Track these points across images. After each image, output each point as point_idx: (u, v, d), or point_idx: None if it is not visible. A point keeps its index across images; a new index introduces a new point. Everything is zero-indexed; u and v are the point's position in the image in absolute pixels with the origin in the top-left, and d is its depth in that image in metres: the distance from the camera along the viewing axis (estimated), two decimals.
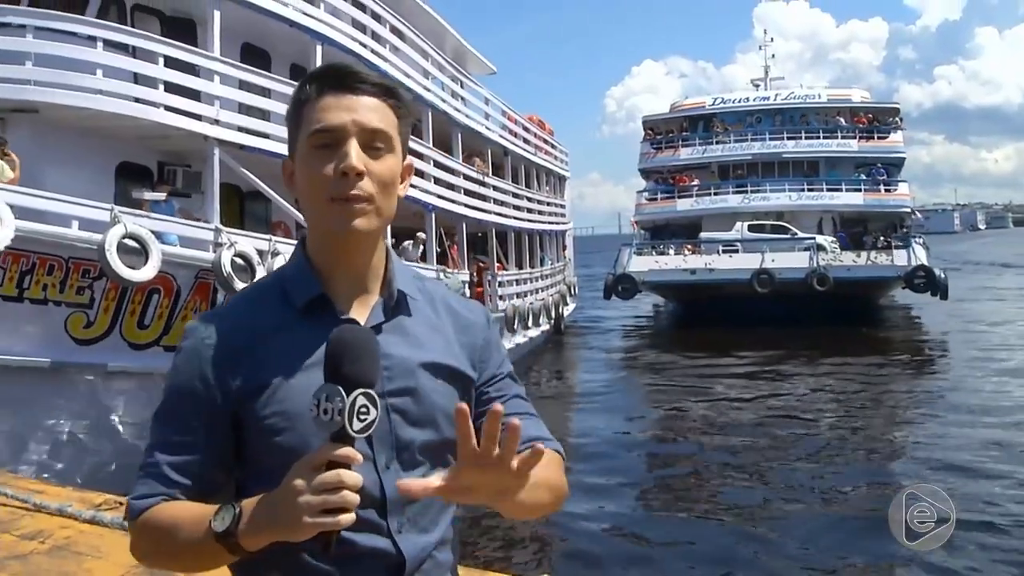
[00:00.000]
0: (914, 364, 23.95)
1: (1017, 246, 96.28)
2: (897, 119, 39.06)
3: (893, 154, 37.91)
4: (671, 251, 34.32)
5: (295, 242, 8.02)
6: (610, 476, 13.09)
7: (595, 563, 9.82)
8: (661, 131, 40.36)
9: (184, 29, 13.48)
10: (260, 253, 11.95)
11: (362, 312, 1.56)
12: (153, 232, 10.60)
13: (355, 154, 1.46)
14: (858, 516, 10.80)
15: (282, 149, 8.27)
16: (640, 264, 33.13)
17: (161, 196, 12.20)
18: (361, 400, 1.32)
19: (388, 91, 1.55)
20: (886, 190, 36.41)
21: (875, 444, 15.04)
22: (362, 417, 1.32)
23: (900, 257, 31.69)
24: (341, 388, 1.31)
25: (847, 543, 9.94)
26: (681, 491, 12.68)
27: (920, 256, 31.66)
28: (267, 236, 12.71)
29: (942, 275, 31.45)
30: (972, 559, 9.15)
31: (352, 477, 1.30)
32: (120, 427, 10.68)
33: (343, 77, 1.50)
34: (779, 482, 12.65)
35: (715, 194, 37.29)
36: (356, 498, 1.31)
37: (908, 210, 37.39)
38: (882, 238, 34.44)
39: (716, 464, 13.83)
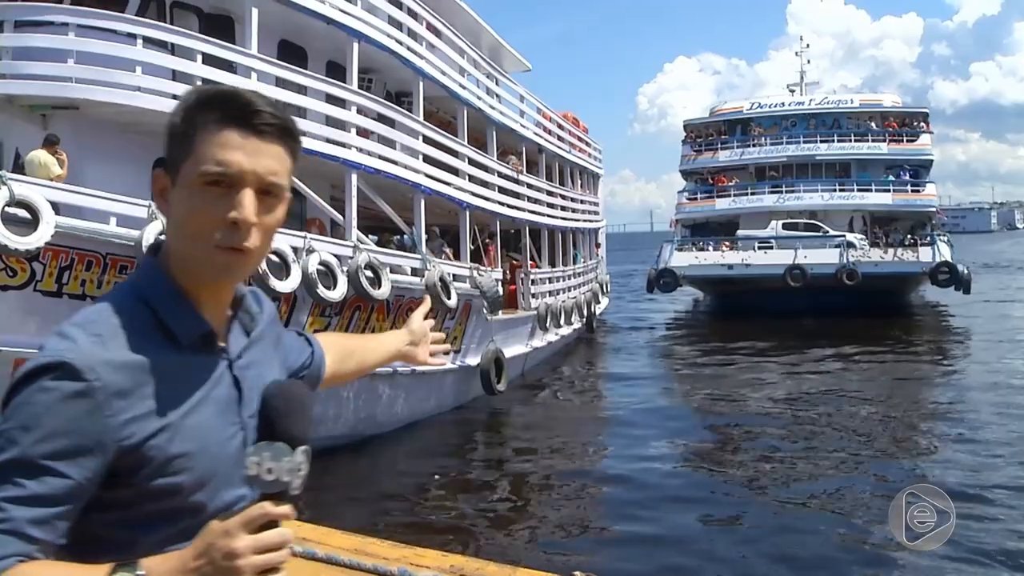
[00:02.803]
0: (939, 356, 24.86)
1: None
2: (925, 123, 40.66)
3: (921, 156, 39.60)
4: (710, 247, 36.43)
5: (330, 239, 8.00)
6: (641, 476, 12.99)
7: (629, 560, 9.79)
8: (701, 134, 42.36)
9: (222, 26, 13.54)
10: (295, 250, 11.99)
11: (225, 337, 1.54)
12: None
13: (250, 206, 1.41)
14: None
15: (317, 146, 8.28)
16: (681, 259, 35.34)
17: None
18: (301, 458, 1.32)
19: (289, 133, 1.51)
20: (914, 190, 38.43)
21: (901, 434, 15.38)
22: (300, 474, 1.32)
23: (925, 254, 33.79)
24: (286, 447, 1.30)
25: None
26: (720, 484, 12.68)
27: (944, 253, 33.71)
28: (302, 233, 12.74)
29: (965, 271, 33.41)
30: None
31: (290, 534, 1.30)
32: None
33: (249, 114, 1.44)
34: (817, 472, 12.84)
35: (752, 194, 39.28)
36: (289, 555, 1.31)
37: (934, 209, 39.26)
38: (909, 236, 36.08)
39: (754, 456, 13.98)
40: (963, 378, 21.34)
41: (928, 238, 35.24)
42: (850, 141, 39.58)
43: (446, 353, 2.54)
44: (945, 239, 35.85)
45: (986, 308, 35.11)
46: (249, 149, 1.43)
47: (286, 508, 1.29)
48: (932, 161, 40.36)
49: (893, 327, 29.66)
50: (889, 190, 38.15)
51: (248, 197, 1.41)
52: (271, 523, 1.28)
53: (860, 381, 20.69)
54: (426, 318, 2.34)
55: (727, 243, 36.44)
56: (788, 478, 12.65)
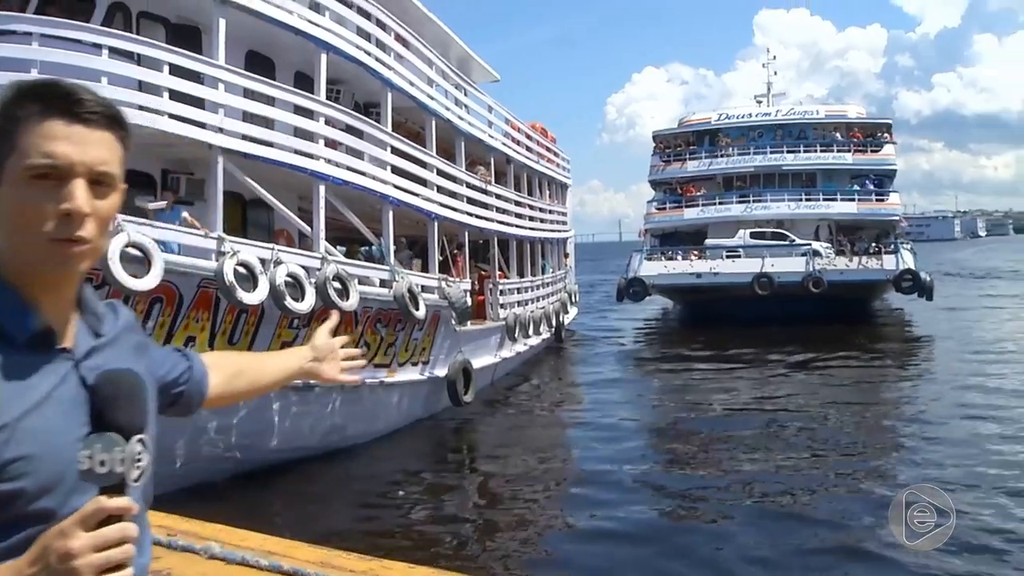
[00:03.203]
0: (901, 361, 25.76)
1: (1015, 253, 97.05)
2: (888, 133, 41.74)
3: (885, 166, 40.62)
4: (679, 256, 37.13)
5: (298, 250, 8.00)
6: (611, 479, 13.26)
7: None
8: (670, 145, 43.17)
9: (189, 37, 13.46)
10: (263, 262, 11.95)
11: (69, 338, 1.47)
12: (156, 241, 10.58)
13: (83, 196, 1.38)
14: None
15: (285, 158, 8.27)
16: (650, 268, 35.97)
17: (164, 204, 12.19)
18: (138, 447, 1.26)
19: (116, 121, 1.46)
20: (878, 200, 39.33)
21: (866, 436, 15.91)
22: (138, 465, 1.26)
23: (889, 262, 34.54)
24: (118, 436, 1.24)
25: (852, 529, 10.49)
26: (687, 490, 12.92)
27: (908, 261, 34.47)
28: (270, 245, 12.70)
29: (927, 278, 34.36)
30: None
31: (132, 528, 1.24)
32: None
33: (73, 103, 1.39)
34: (786, 474, 13.26)
35: (719, 203, 39.95)
36: (134, 550, 1.25)
37: (898, 218, 40.38)
38: (874, 244, 36.82)
39: (723, 461, 14.32)
40: (926, 382, 22.10)
41: (892, 246, 35.99)
42: (816, 151, 40.38)
43: (362, 367, 2.43)
44: (908, 247, 36.70)
45: (948, 315, 36.21)
46: (76, 139, 1.38)
47: (124, 501, 1.22)
48: (895, 171, 41.31)
49: (858, 334, 30.38)
50: (854, 199, 38.92)
51: (80, 187, 1.37)
52: (112, 518, 1.21)
53: (826, 386, 21.22)
54: (336, 334, 2.29)
55: (695, 252, 37.11)
56: (758, 481, 12.94)
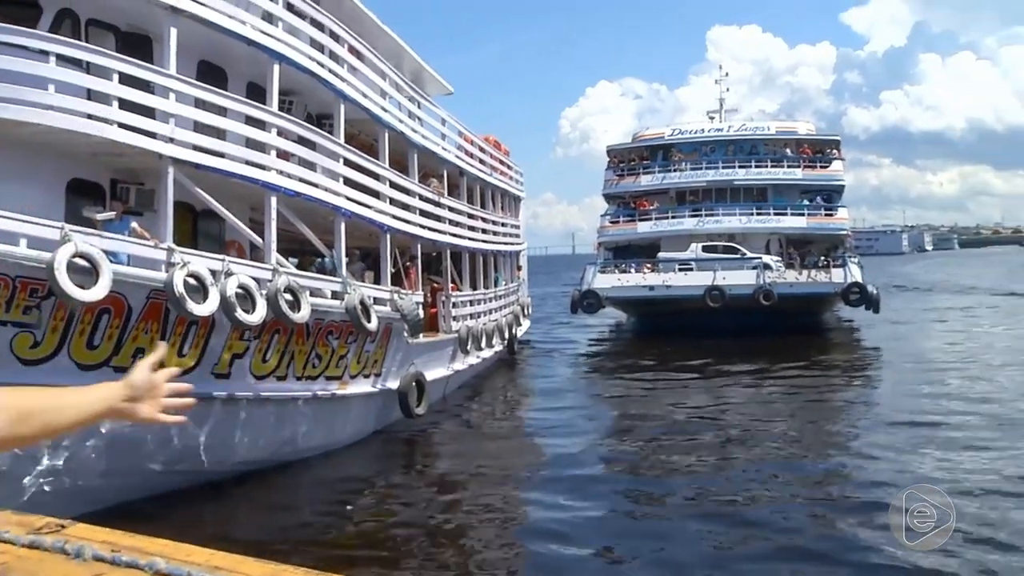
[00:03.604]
0: (849, 371, 26.44)
1: (960, 267, 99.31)
2: (837, 150, 42.69)
3: (833, 182, 41.45)
4: (632, 269, 37.62)
5: (249, 262, 7.95)
6: (563, 488, 13.36)
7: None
8: (624, 159, 43.64)
9: (140, 45, 13.27)
10: (214, 273, 11.82)
11: None
12: (105, 251, 10.43)
13: None
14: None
15: (237, 168, 8.22)
16: (604, 281, 36.43)
17: (112, 215, 12.03)
18: None
19: None
20: (827, 214, 40.24)
21: (814, 445, 16.35)
22: None
23: (837, 275, 35.41)
24: None
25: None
26: (637, 497, 13.30)
27: (855, 274, 35.39)
28: (221, 256, 12.57)
29: (874, 291, 35.41)
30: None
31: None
32: (68, 448, 10.47)
33: None
34: (736, 481, 13.56)
35: (672, 217, 40.54)
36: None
37: (846, 232, 41.28)
38: (822, 258, 37.63)
39: (676, 471, 14.62)
40: (871, 392, 22.95)
41: (840, 260, 36.76)
42: (767, 167, 41.05)
43: (187, 407, 2.15)
44: (856, 261, 37.53)
45: (895, 327, 37.30)
46: None
47: None
48: (844, 186, 42.13)
49: (808, 345, 30.95)
50: (804, 214, 39.72)
51: None
52: None
53: (775, 395, 21.81)
54: (158, 368, 2.07)
55: (648, 265, 37.74)
56: (707, 486, 13.35)
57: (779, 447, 16.08)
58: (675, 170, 41.75)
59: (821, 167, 41.17)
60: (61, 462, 10.37)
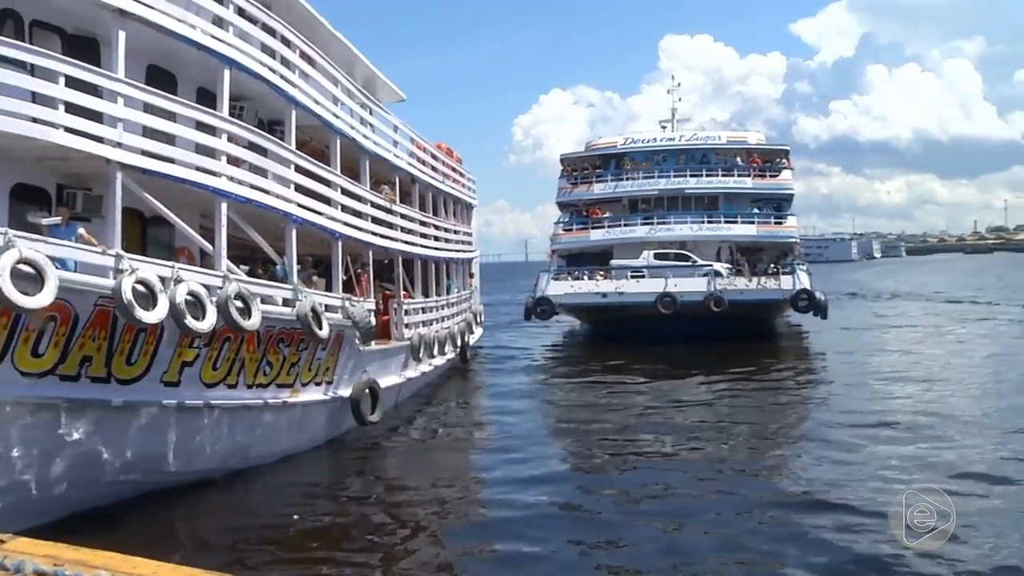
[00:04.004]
0: (796, 376, 27.08)
1: (907, 275, 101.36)
2: (786, 159, 43.44)
3: (783, 191, 42.16)
4: (585, 277, 38.01)
5: (199, 269, 7.85)
6: (515, 494, 13.49)
7: None
8: (577, 168, 44.01)
9: (87, 48, 13.04)
10: (163, 280, 11.65)
11: None
12: (51, 258, 10.23)
13: None
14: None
15: (187, 174, 8.13)
16: (557, 288, 36.79)
17: (58, 220, 11.82)
18: None
19: None
20: (776, 222, 40.80)
21: (764, 449, 16.86)
22: None
23: (786, 282, 36.06)
24: None
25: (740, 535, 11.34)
26: (591, 498, 13.56)
27: (803, 281, 36.03)
28: (170, 263, 12.38)
29: (822, 298, 36.22)
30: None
31: None
32: (15, 459, 10.27)
33: None
34: (689, 487, 13.86)
35: (625, 225, 41.05)
36: None
37: (795, 240, 41.91)
38: (772, 265, 38.35)
39: (629, 476, 14.82)
40: (818, 394, 23.55)
41: (789, 267, 37.49)
42: (717, 176, 41.65)
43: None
44: (804, 268, 38.25)
45: (843, 333, 38.09)
46: None
47: None
48: (793, 195, 42.87)
49: (757, 350, 31.65)
50: (754, 222, 40.30)
51: None
52: None
53: (728, 401, 22.19)
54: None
55: (601, 272, 38.02)
56: (663, 493, 13.54)
57: (728, 448, 16.62)
58: (628, 179, 42.14)
59: (771, 176, 41.86)
60: (10, 476, 10.18)
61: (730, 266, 38.26)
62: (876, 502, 12.03)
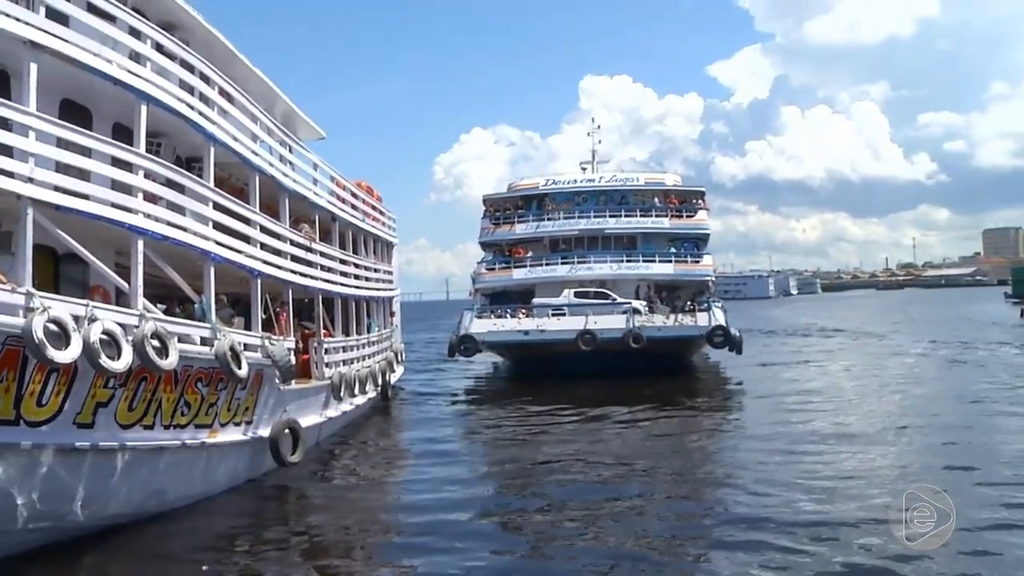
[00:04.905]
0: (712, 407, 28.20)
1: (822, 311, 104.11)
2: (702, 200, 44.72)
3: (699, 230, 43.34)
4: (507, 315, 38.34)
5: (115, 307, 7.67)
6: (437, 533, 13.36)
7: None
8: (499, 208, 44.73)
9: None
10: (76, 319, 11.36)
11: None
12: None
13: None
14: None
15: (102, 211, 7.98)
16: (480, 326, 37.37)
17: None
18: None
19: None
20: (693, 261, 41.81)
21: (684, 480, 17.36)
22: None
23: (702, 318, 36.85)
24: None
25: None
26: (516, 537, 13.59)
27: (719, 317, 36.88)
28: (84, 301, 12.08)
29: (737, 334, 37.35)
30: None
31: None
32: None
33: None
34: (613, 519, 14.15)
35: (546, 264, 41.75)
36: None
37: (711, 278, 42.98)
38: (689, 302, 39.14)
39: (552, 511, 14.85)
40: (732, 427, 24.31)
41: (705, 304, 38.26)
42: (636, 216, 42.57)
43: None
44: (720, 305, 39.19)
45: (759, 369, 39.33)
46: None
47: None
48: (708, 235, 43.98)
49: (675, 385, 32.52)
50: (671, 261, 41.20)
51: None
52: None
53: (647, 433, 22.66)
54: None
55: (523, 310, 38.48)
56: (587, 524, 13.74)
57: (647, 483, 16.92)
58: (549, 219, 42.87)
59: (687, 216, 42.83)
60: None
61: (648, 303, 38.95)
62: (787, 513, 13.47)
